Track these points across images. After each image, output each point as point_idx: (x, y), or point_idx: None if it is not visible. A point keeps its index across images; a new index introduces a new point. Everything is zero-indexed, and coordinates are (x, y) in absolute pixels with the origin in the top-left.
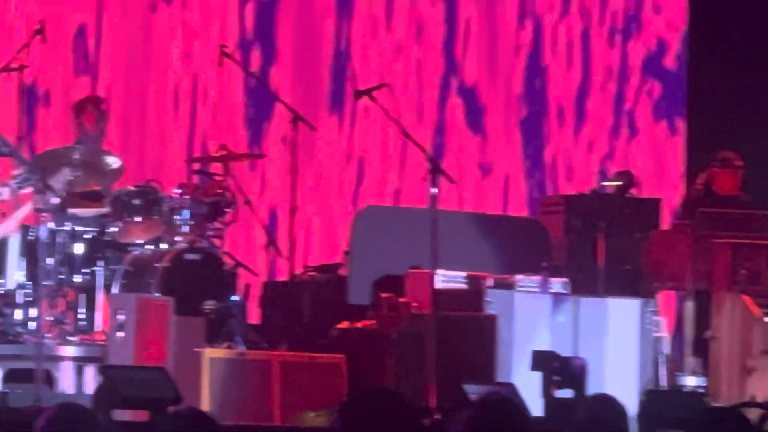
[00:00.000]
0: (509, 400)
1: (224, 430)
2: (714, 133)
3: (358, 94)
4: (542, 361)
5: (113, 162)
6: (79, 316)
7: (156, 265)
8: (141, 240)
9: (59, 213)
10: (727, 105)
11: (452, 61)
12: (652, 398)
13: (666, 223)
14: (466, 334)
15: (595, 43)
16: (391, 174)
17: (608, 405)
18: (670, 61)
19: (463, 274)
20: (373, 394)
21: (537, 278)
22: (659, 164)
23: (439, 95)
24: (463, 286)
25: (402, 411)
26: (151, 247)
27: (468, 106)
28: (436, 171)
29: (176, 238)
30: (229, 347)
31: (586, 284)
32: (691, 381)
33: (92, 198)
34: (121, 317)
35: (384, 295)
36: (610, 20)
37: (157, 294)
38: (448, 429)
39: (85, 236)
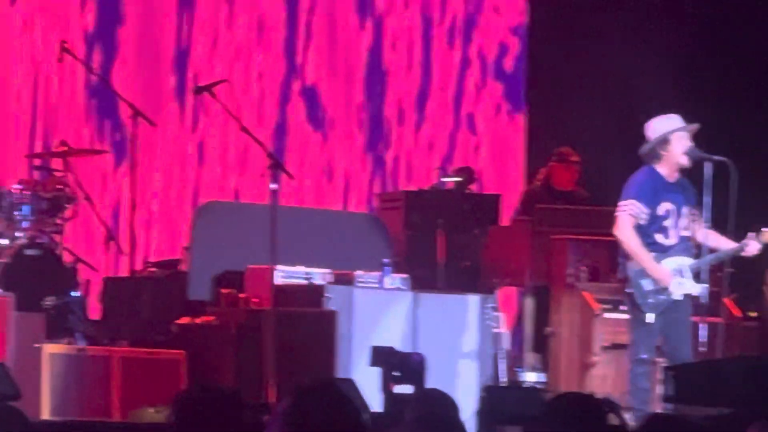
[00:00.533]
0: (329, 386)
1: (38, 425)
2: (553, 130)
3: (198, 90)
4: (381, 356)
5: None
6: None
7: None
8: None
9: None
10: (566, 102)
11: (293, 61)
12: (491, 394)
13: (506, 219)
14: (306, 329)
15: (436, 43)
16: (232, 170)
17: (439, 400)
18: (510, 60)
19: (303, 269)
20: (208, 390)
21: (376, 274)
22: (499, 161)
23: (280, 96)
24: (303, 282)
25: (238, 407)
26: None
27: (309, 107)
28: (275, 167)
29: (16, 234)
30: (69, 343)
31: (425, 280)
32: (530, 377)
33: None
34: None
35: (224, 290)
36: (450, 21)
37: None
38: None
39: None
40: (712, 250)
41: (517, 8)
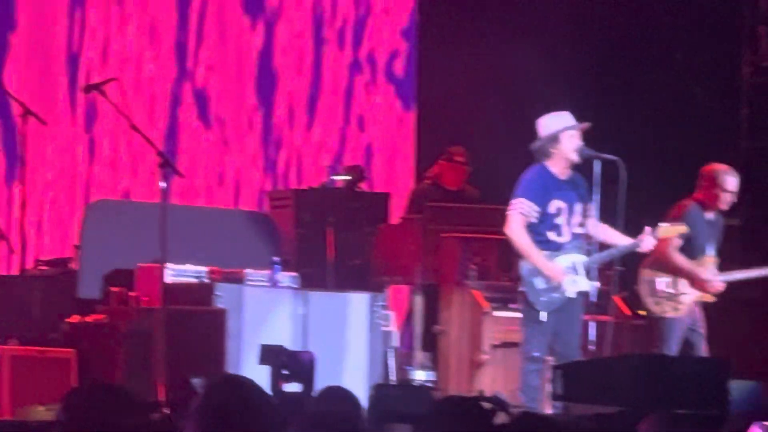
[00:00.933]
0: (233, 379)
1: None
2: (443, 129)
3: (88, 89)
4: (270, 355)
5: None
6: None
7: None
8: None
9: None
10: (455, 102)
11: (184, 64)
12: (380, 392)
13: (396, 217)
14: (196, 328)
15: (327, 45)
16: (124, 170)
17: (341, 398)
18: (399, 61)
19: (194, 268)
20: (98, 388)
21: (266, 272)
22: (389, 160)
23: (171, 97)
24: (193, 280)
25: (127, 405)
26: None
27: (200, 108)
28: (165, 165)
29: None
30: None
31: (316, 278)
32: (420, 375)
33: None
34: None
35: (114, 289)
36: (341, 22)
37: None
38: (180, 424)
39: None
40: (607, 246)
41: (406, 9)
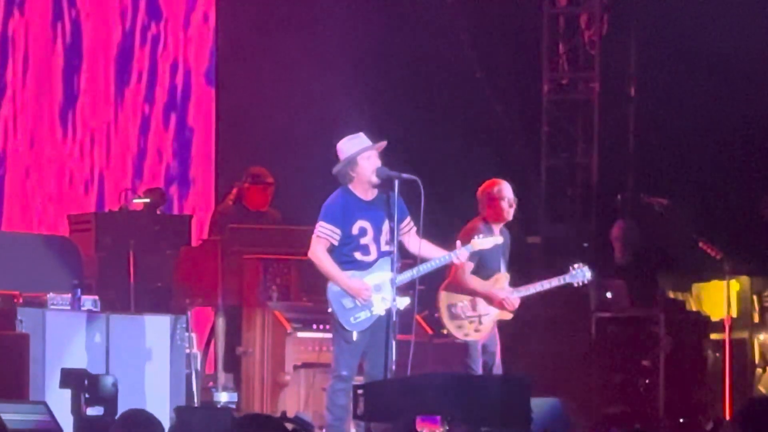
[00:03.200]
0: None
1: None
2: (245, 150)
3: None
4: (72, 379)
5: None
6: None
7: None
8: None
9: None
10: (257, 122)
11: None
12: (183, 415)
13: (198, 239)
14: None
15: (128, 70)
16: None
17: (143, 421)
18: (199, 81)
19: None
20: None
21: (68, 296)
22: (190, 182)
23: None
24: None
25: None
26: None
27: None
28: None
29: None
30: None
31: (117, 301)
32: (223, 396)
33: None
34: None
35: None
36: (140, 38)
37: None
38: None
39: None
40: (424, 260)
41: (207, 31)
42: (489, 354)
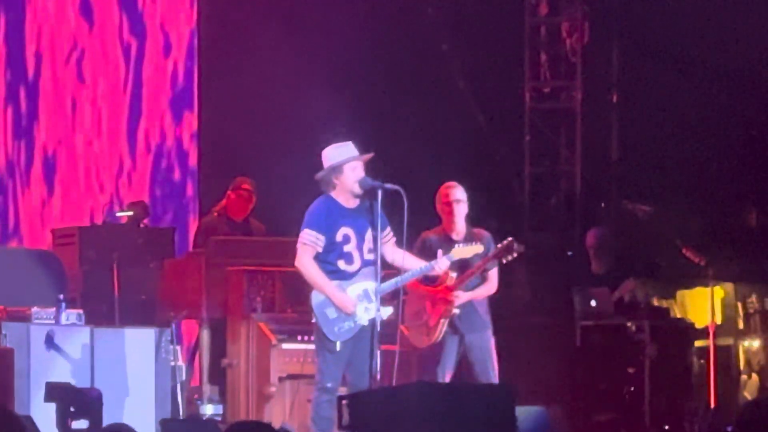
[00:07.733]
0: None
1: None
2: (227, 161)
3: None
4: (56, 392)
5: None
6: None
7: None
8: None
9: None
10: (239, 132)
11: None
12: (168, 428)
13: (183, 251)
14: None
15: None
16: None
17: None
18: (179, 91)
19: None
20: None
21: (52, 310)
22: (173, 194)
23: None
24: None
25: None
26: None
27: None
28: None
29: None
30: None
31: (102, 315)
32: (209, 409)
33: None
34: None
35: None
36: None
37: None
38: None
39: None
40: (404, 270)
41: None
42: (477, 362)
